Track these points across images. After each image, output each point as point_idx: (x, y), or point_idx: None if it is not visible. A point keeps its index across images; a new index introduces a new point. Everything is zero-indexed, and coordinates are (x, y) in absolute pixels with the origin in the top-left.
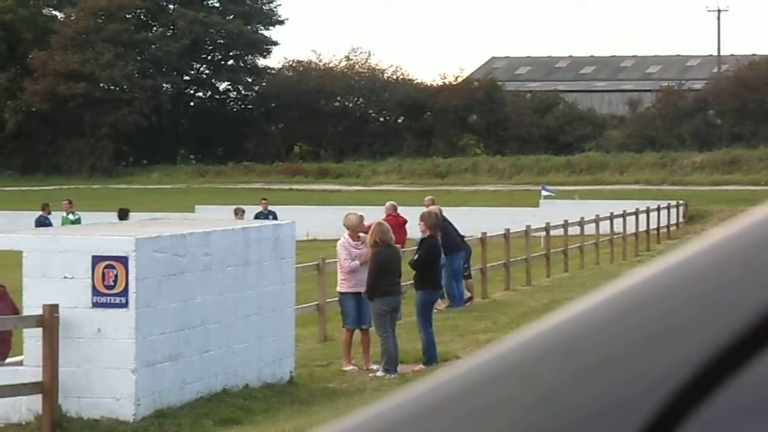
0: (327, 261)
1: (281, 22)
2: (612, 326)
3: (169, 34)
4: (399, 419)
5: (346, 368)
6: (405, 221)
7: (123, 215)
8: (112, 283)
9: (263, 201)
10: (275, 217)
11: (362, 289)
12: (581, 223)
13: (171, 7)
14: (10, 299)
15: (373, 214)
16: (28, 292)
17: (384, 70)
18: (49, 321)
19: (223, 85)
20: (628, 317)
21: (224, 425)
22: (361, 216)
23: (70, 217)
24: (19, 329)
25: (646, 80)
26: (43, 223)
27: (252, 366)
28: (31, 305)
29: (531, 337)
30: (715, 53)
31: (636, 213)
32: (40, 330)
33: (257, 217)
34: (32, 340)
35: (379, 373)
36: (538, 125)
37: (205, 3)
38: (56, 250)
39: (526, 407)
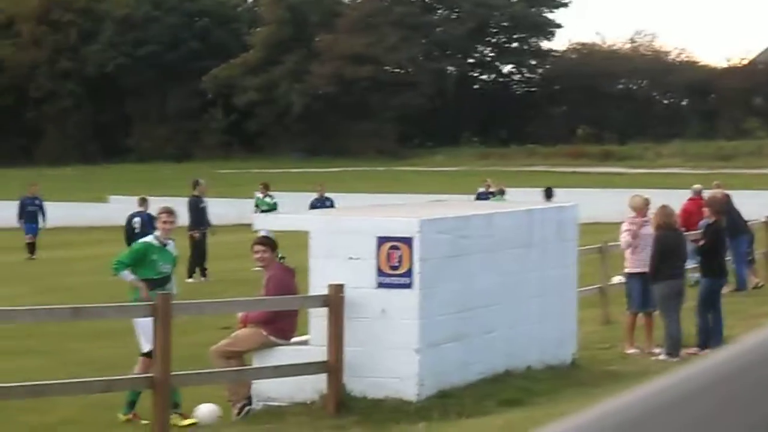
0: (609, 244)
1: (565, 5)
2: None
3: (453, 17)
4: (664, 402)
5: (629, 351)
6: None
7: (549, 194)
8: (397, 264)
9: (319, 187)
10: (332, 205)
11: (647, 269)
12: None
13: None
14: (296, 279)
15: (657, 197)
16: (314, 273)
17: (668, 52)
18: (335, 301)
19: (506, 68)
20: None
21: (506, 406)
22: (647, 199)
23: (267, 200)
24: (306, 308)
25: None
26: (315, 206)
27: (534, 348)
28: (317, 285)
29: None
30: None
31: None
32: (325, 310)
33: (314, 204)
34: (318, 319)
35: (662, 357)
36: None
37: None
38: (342, 231)
39: None
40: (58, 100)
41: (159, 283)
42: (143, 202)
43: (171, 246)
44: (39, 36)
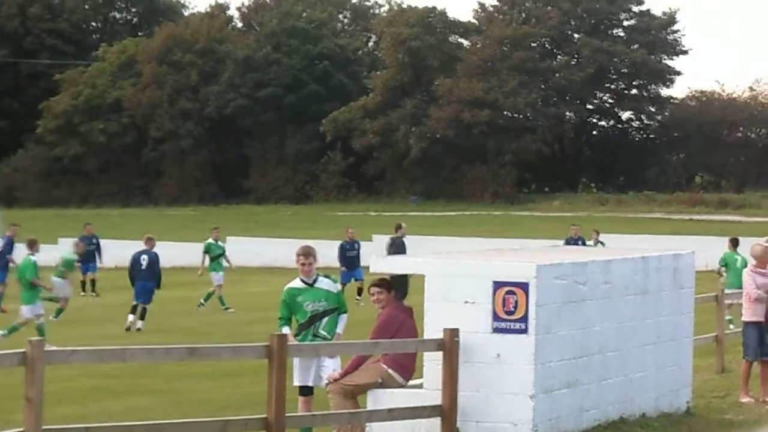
0: (726, 292)
1: (685, 52)
2: None
3: (573, 62)
4: None
5: (744, 400)
6: None
7: (735, 243)
8: (512, 309)
9: (350, 231)
10: (359, 248)
11: (764, 318)
12: None
13: (576, 36)
14: (414, 320)
15: None
16: (430, 316)
17: None
18: (450, 345)
19: (625, 114)
20: None
21: None
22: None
23: (220, 244)
24: (421, 352)
25: None
26: (344, 249)
27: (649, 395)
28: (432, 329)
29: None
30: None
31: None
32: (440, 354)
33: (343, 247)
34: (432, 363)
35: None
36: None
37: (609, 32)
38: (458, 275)
39: None
40: (177, 140)
41: (311, 322)
42: (149, 241)
43: (325, 282)
44: (160, 76)
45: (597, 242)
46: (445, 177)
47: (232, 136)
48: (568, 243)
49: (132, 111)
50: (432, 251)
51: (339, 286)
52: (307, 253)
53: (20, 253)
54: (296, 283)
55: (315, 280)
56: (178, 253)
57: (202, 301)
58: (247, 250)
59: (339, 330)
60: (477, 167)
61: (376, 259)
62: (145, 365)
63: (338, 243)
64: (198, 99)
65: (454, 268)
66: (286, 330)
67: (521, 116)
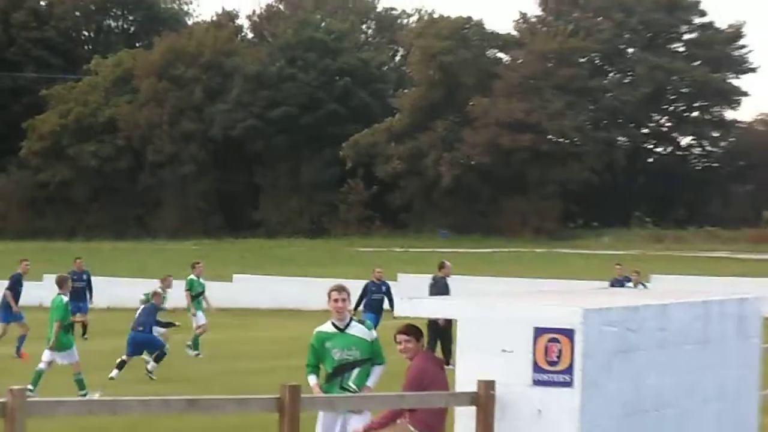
0: None
1: (753, 70)
2: None
3: (626, 81)
4: None
5: None
6: None
7: None
8: (556, 359)
9: (377, 271)
10: (388, 290)
11: None
12: None
13: (630, 50)
14: (445, 372)
15: None
16: (462, 366)
17: None
18: (485, 399)
19: (685, 140)
20: None
21: None
22: None
23: (203, 281)
24: (451, 407)
25: None
26: (369, 290)
27: None
28: (465, 381)
29: None
30: None
31: None
32: (473, 409)
33: (368, 288)
34: (465, 419)
35: None
36: None
37: (668, 47)
38: (494, 320)
39: None
40: (178, 166)
41: (338, 372)
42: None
43: (358, 329)
44: (159, 93)
45: (637, 283)
46: (481, 209)
47: (240, 161)
48: (613, 285)
49: (128, 132)
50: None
51: (374, 334)
52: (341, 289)
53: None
54: (326, 326)
55: (347, 325)
56: (178, 295)
57: (189, 345)
58: (256, 289)
59: (369, 383)
60: (516, 198)
61: (400, 301)
62: (139, 418)
63: (360, 283)
64: (202, 119)
65: (489, 312)
66: (312, 380)
67: (567, 141)
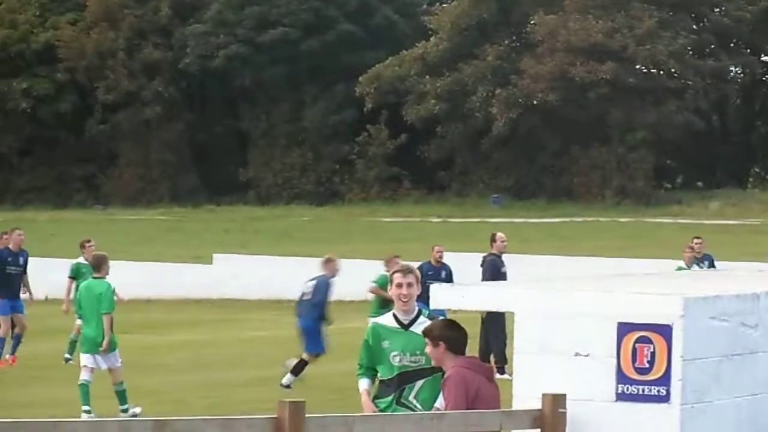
0: None
1: None
2: None
3: None
4: None
5: None
6: None
7: None
8: (647, 365)
9: (437, 250)
10: (450, 275)
11: None
12: None
13: None
14: (496, 383)
15: None
16: (521, 375)
17: None
18: (553, 419)
19: None
20: None
21: None
22: None
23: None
24: (506, 430)
25: None
26: (427, 276)
27: None
28: (524, 395)
29: None
30: None
31: None
32: None
33: (424, 273)
34: None
35: None
36: None
37: None
38: (565, 314)
39: None
40: (138, 109)
41: (398, 383)
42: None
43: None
44: (113, 9)
45: (697, 262)
46: (546, 165)
47: (221, 102)
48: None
49: (71, 63)
50: (525, 277)
51: None
52: (408, 270)
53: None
54: (387, 319)
55: (414, 320)
56: (141, 280)
57: (66, 355)
58: (244, 274)
59: (439, 403)
60: (594, 150)
61: (437, 289)
62: None
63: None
64: (171, 45)
65: (558, 304)
66: (363, 384)
67: (662, 73)
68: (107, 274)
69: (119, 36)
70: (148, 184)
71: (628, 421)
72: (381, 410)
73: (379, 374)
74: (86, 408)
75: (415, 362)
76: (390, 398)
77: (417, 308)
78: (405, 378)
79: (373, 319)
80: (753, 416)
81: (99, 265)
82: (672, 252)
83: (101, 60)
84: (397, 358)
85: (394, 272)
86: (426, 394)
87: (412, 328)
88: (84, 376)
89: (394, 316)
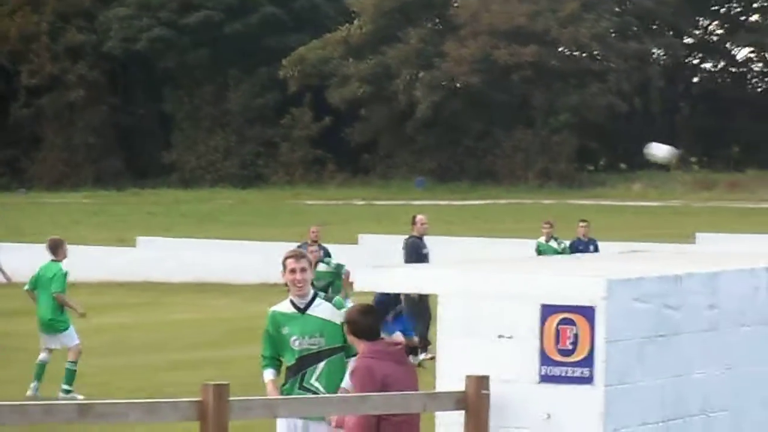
0: None
1: None
2: None
3: None
4: None
5: None
6: None
7: None
8: (570, 347)
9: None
10: (326, 253)
11: None
12: None
13: None
14: (412, 365)
15: None
16: (444, 357)
17: None
18: (476, 401)
19: (742, 52)
20: None
21: None
22: None
23: None
24: (430, 412)
25: None
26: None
27: None
28: (448, 377)
29: None
30: None
31: None
32: (461, 414)
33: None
34: (449, 428)
35: None
36: None
37: None
38: (488, 295)
39: None
40: (62, 92)
41: (299, 367)
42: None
43: (324, 308)
44: None
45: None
46: (469, 147)
47: (145, 84)
48: (574, 249)
49: None
50: (448, 259)
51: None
52: (299, 256)
53: None
54: (284, 305)
55: (310, 303)
56: (65, 263)
57: None
58: (168, 257)
59: (345, 384)
60: (517, 133)
61: (360, 271)
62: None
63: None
64: (94, 28)
65: (481, 286)
66: (268, 375)
67: (585, 55)
68: (64, 257)
69: (42, 20)
70: (72, 168)
71: (552, 403)
72: None
73: (284, 362)
74: (34, 384)
75: (314, 344)
76: (293, 383)
77: (312, 292)
78: (305, 361)
79: (271, 308)
80: (676, 397)
81: (55, 249)
82: (595, 233)
83: (25, 44)
84: (297, 342)
85: (286, 258)
86: (328, 376)
87: (308, 311)
88: (41, 355)
89: (291, 301)
